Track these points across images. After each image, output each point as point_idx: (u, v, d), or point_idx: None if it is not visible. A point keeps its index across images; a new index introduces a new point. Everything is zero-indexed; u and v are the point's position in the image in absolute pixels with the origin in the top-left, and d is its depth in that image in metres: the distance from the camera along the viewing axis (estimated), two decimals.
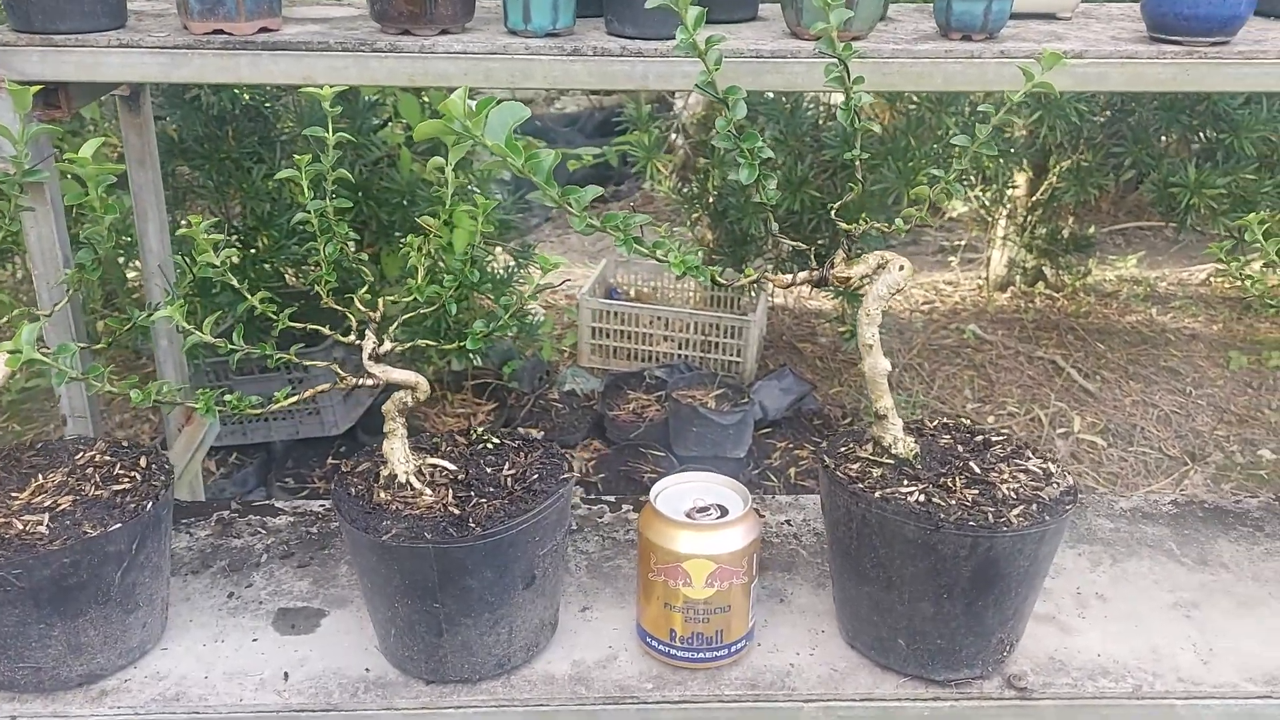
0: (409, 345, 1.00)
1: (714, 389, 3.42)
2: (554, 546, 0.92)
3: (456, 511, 0.88)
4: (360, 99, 2.52)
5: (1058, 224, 4.09)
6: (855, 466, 0.95)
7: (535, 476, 0.93)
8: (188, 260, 0.95)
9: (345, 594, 1.05)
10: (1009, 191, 4.02)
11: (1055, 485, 0.91)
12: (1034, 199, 3.99)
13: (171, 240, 1.39)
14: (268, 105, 2.43)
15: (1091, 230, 4.08)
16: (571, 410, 3.54)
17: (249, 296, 0.96)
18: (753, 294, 3.50)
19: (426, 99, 2.48)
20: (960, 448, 0.98)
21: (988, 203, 4.15)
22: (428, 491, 0.91)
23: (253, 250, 2.31)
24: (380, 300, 0.96)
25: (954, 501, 0.89)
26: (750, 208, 2.67)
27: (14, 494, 0.93)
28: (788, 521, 1.19)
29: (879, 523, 0.89)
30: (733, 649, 0.95)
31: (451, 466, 0.94)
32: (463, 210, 2.85)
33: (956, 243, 4.78)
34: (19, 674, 0.90)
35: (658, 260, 0.96)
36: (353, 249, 0.96)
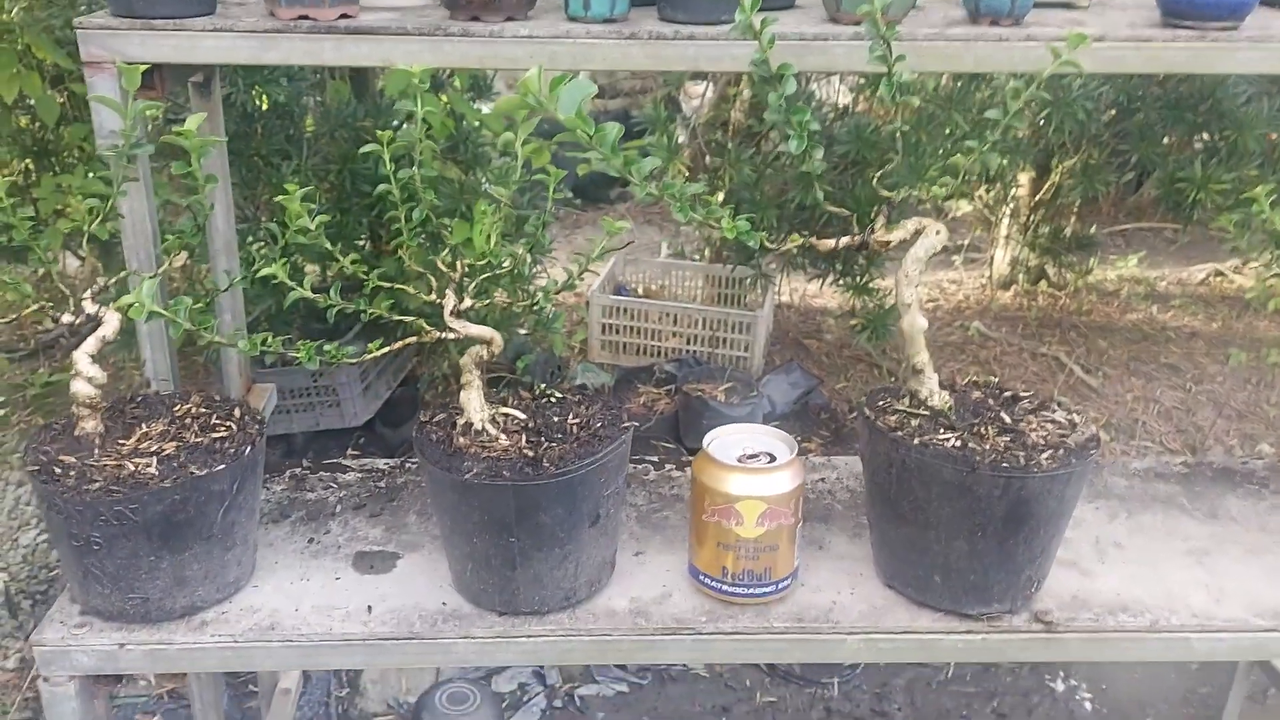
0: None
1: (723, 383, 3.50)
2: (616, 489, 1.00)
3: (530, 454, 0.96)
4: (382, 96, 2.60)
5: (1060, 223, 4.17)
6: (893, 417, 1.03)
7: (599, 424, 1.01)
8: (279, 226, 1.03)
9: (417, 540, 1.13)
10: (1012, 191, 4.11)
11: (1080, 433, 0.99)
12: (1037, 198, 4.08)
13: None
14: (294, 106, 2.49)
15: (1094, 230, 4.16)
16: None
17: (340, 258, 1.04)
18: (760, 291, 3.58)
19: (445, 99, 2.55)
20: (991, 401, 1.06)
21: (991, 202, 4.24)
22: (503, 437, 0.99)
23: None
24: (459, 262, 1.04)
25: (988, 446, 0.97)
26: (764, 204, 2.75)
27: (121, 441, 1.00)
28: (822, 480, 1.27)
29: (918, 466, 0.97)
30: (779, 586, 1.03)
31: (522, 415, 1.02)
32: (482, 207, 2.93)
33: (960, 242, 4.87)
34: (129, 604, 0.98)
35: (710, 226, 1.04)
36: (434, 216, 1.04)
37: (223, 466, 0.96)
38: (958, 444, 0.97)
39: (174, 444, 1.00)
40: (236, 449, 0.99)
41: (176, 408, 1.06)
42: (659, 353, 3.76)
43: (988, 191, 4.12)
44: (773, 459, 1.01)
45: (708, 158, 3.53)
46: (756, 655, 1.03)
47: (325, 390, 2.96)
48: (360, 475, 1.25)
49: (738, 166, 3.04)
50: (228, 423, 1.04)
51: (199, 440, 1.01)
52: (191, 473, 0.95)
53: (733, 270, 3.37)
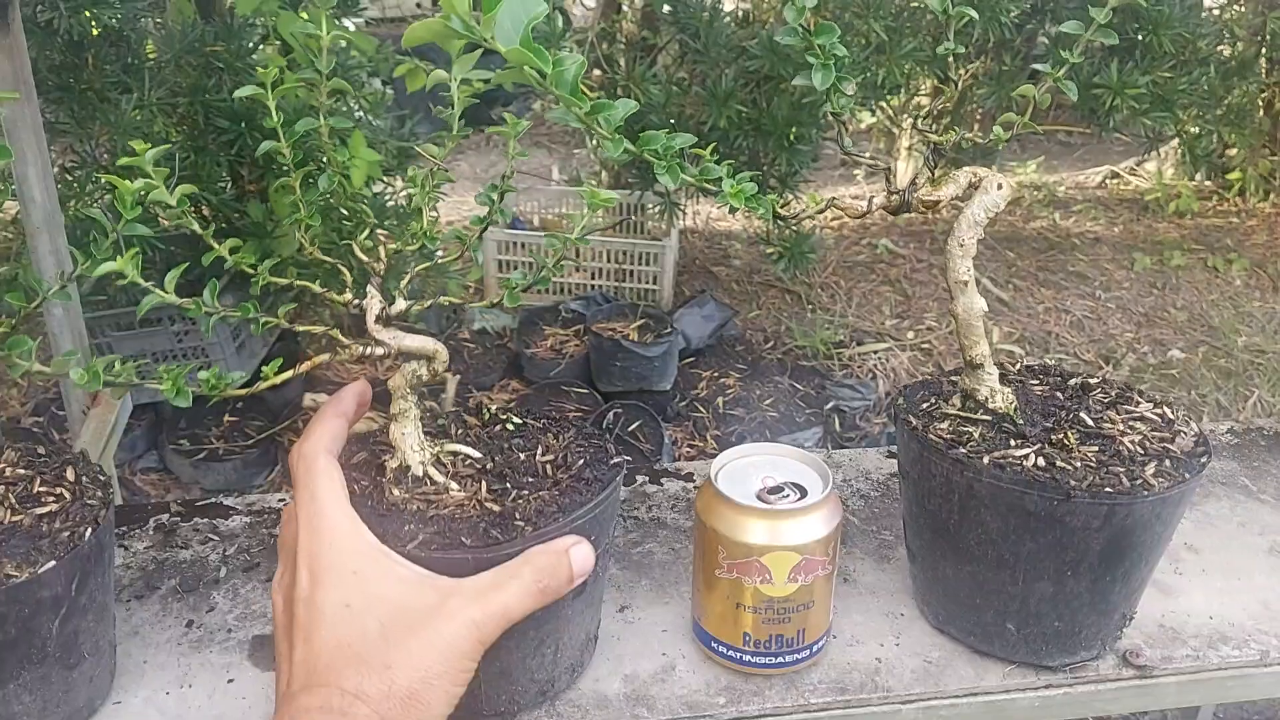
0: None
1: (634, 320, 3.27)
2: (607, 546, 0.76)
3: (495, 508, 0.71)
4: (233, 16, 2.25)
5: (961, 134, 4.04)
6: (945, 426, 0.81)
7: (580, 462, 0.76)
8: (112, 207, 0.73)
9: None
10: (913, 100, 3.94)
11: (1183, 434, 0.79)
12: (939, 107, 3.92)
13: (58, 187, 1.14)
14: (130, 30, 2.14)
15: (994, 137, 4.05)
16: (485, 350, 3.35)
17: (216, 245, 0.76)
18: (665, 218, 3.34)
19: (305, 15, 2.20)
20: (1059, 395, 0.85)
21: (893, 113, 4.07)
22: (454, 486, 0.73)
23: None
24: (382, 248, 0.76)
25: (1078, 464, 0.75)
26: (680, 129, 2.49)
27: None
28: None
29: (991, 494, 0.75)
30: (814, 649, 0.81)
31: (475, 454, 0.76)
32: (359, 140, 2.56)
33: (858, 157, 4.71)
34: None
35: (708, 190, 0.78)
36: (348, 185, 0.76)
37: (51, 564, 0.68)
38: (1042, 463, 0.75)
39: None
40: (72, 532, 0.71)
41: None
42: (562, 289, 3.50)
43: (888, 102, 3.95)
44: (803, 492, 0.78)
45: (596, 72, 3.23)
46: None
47: (194, 352, 2.66)
48: (248, 520, 0.97)
49: (642, 86, 2.76)
50: (58, 489, 0.75)
51: (17, 519, 0.72)
52: (8, 576, 0.67)
53: (640, 197, 3.12)
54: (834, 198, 0.83)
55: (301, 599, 0.61)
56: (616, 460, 0.76)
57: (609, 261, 3.45)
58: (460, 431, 0.79)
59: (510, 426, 0.81)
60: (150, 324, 2.59)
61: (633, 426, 2.82)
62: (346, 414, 0.72)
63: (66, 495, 0.75)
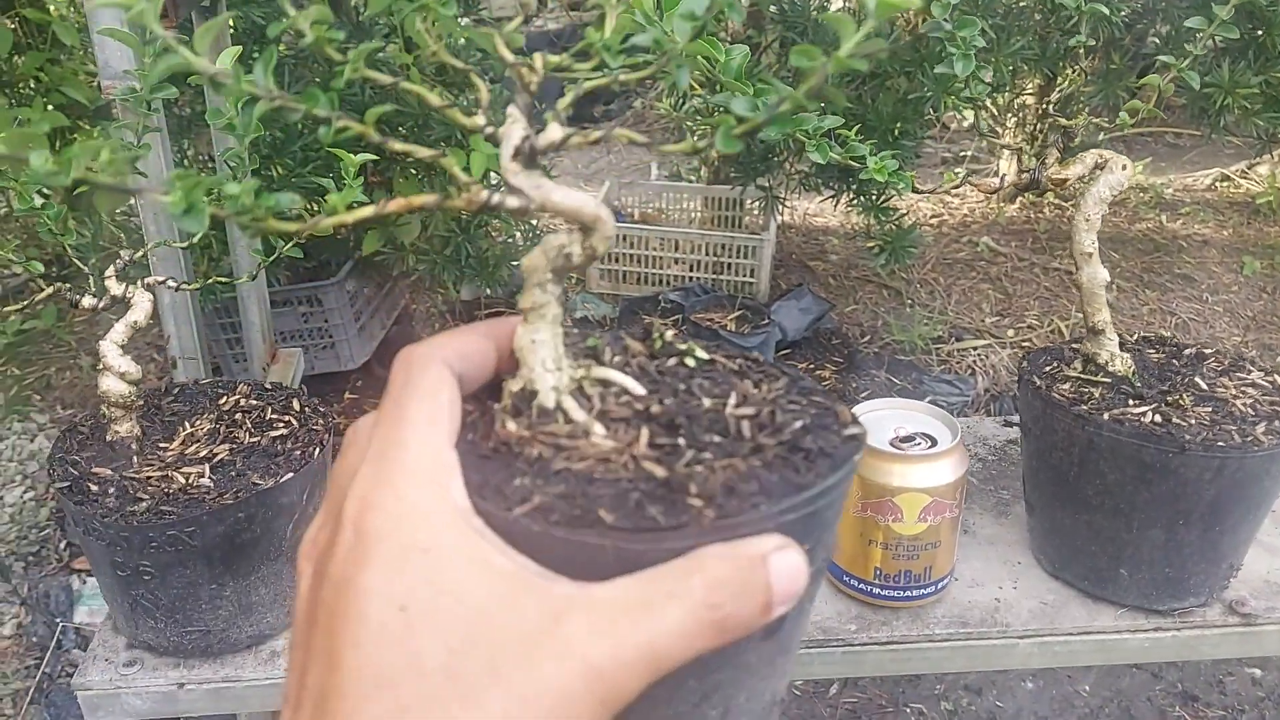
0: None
1: (733, 311, 3.36)
2: (824, 562, 0.48)
3: (660, 472, 0.45)
4: (358, 14, 2.37)
5: (1068, 132, 4.04)
6: (1068, 387, 0.89)
7: (797, 424, 0.47)
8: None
9: None
10: (1017, 99, 3.95)
11: None
12: (1044, 105, 3.92)
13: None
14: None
15: (1101, 138, 4.02)
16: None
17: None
18: (763, 213, 3.42)
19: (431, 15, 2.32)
20: (1175, 363, 0.92)
21: (997, 111, 4.08)
22: (599, 428, 0.47)
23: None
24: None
25: (1193, 421, 0.83)
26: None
27: (163, 445, 0.84)
28: None
29: (1110, 446, 0.83)
30: (939, 585, 0.90)
31: (636, 387, 0.50)
32: (478, 135, 2.73)
33: (961, 154, 4.72)
34: (186, 639, 0.83)
35: (852, 165, 0.88)
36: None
37: (290, 475, 0.80)
38: (1158, 419, 0.83)
39: (226, 447, 0.84)
40: (303, 451, 0.83)
41: (222, 400, 0.90)
42: (661, 281, 3.60)
43: (992, 100, 3.97)
44: (933, 442, 0.87)
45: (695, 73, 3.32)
46: (916, 666, 0.90)
47: (319, 332, 2.82)
48: None
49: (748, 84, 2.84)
50: (286, 417, 0.87)
51: (255, 441, 0.85)
52: (255, 484, 0.79)
53: (742, 191, 3.20)
54: (969, 175, 0.91)
55: (335, 577, 0.38)
56: (854, 430, 0.47)
57: (707, 254, 3.53)
58: (618, 359, 0.55)
59: (691, 361, 0.54)
60: (281, 304, 2.76)
61: None
62: (498, 340, 0.48)
63: (294, 422, 0.87)
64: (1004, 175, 0.91)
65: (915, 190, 0.89)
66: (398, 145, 0.56)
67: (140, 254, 0.86)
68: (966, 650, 0.88)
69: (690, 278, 3.68)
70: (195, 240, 0.87)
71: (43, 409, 2.67)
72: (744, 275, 3.61)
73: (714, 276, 3.68)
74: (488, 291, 3.14)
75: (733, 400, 0.49)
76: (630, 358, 0.53)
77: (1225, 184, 4.81)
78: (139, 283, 0.83)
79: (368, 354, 2.83)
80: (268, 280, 1.78)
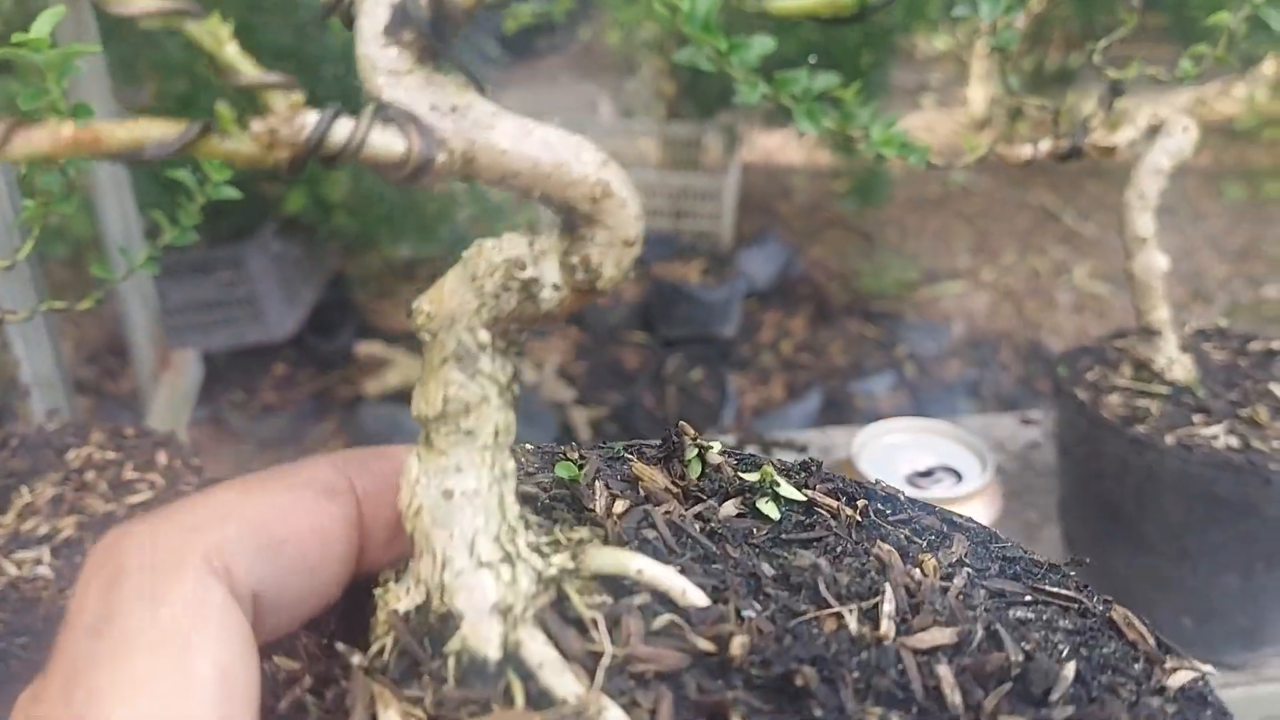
0: None
1: (696, 262, 3.15)
2: None
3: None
4: None
5: (1040, 57, 3.85)
6: (1117, 399, 0.69)
7: (1070, 670, 0.24)
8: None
9: None
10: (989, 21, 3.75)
11: None
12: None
13: None
14: None
15: (1074, 61, 3.85)
16: None
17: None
18: (725, 151, 3.21)
19: None
20: (1240, 362, 0.73)
21: (964, 37, 3.88)
22: (614, 713, 0.21)
23: None
24: None
25: (1277, 444, 0.64)
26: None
27: None
28: None
29: (1176, 478, 0.64)
30: None
31: (687, 591, 0.24)
32: None
33: (927, 80, 4.50)
34: None
35: (850, 140, 0.67)
36: None
37: None
38: (1235, 442, 0.64)
39: (73, 520, 0.63)
40: None
41: (70, 454, 0.69)
42: None
43: (959, 24, 3.77)
44: (957, 477, 0.67)
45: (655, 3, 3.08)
46: None
47: (243, 302, 2.59)
48: None
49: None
50: (149, 475, 0.67)
51: (110, 509, 0.64)
52: None
53: (700, 130, 2.99)
54: (995, 144, 0.71)
55: None
56: (1188, 673, 0.26)
57: (666, 198, 3.32)
58: (625, 513, 0.28)
59: (769, 509, 0.29)
60: (199, 271, 2.53)
61: (694, 375, 2.72)
62: (364, 490, 0.25)
63: (159, 480, 0.66)
64: (1039, 143, 0.70)
65: (930, 165, 0.68)
66: None
67: None
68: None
69: (647, 225, 3.46)
70: (20, 256, 0.65)
71: None
72: (705, 221, 3.40)
73: (674, 223, 3.47)
74: (428, 252, 2.92)
75: (890, 606, 0.24)
76: (648, 505, 0.28)
77: (1202, 107, 4.64)
78: None
79: (299, 322, 2.64)
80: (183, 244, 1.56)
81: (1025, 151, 0.70)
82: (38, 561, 0.61)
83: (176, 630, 0.19)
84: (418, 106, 0.20)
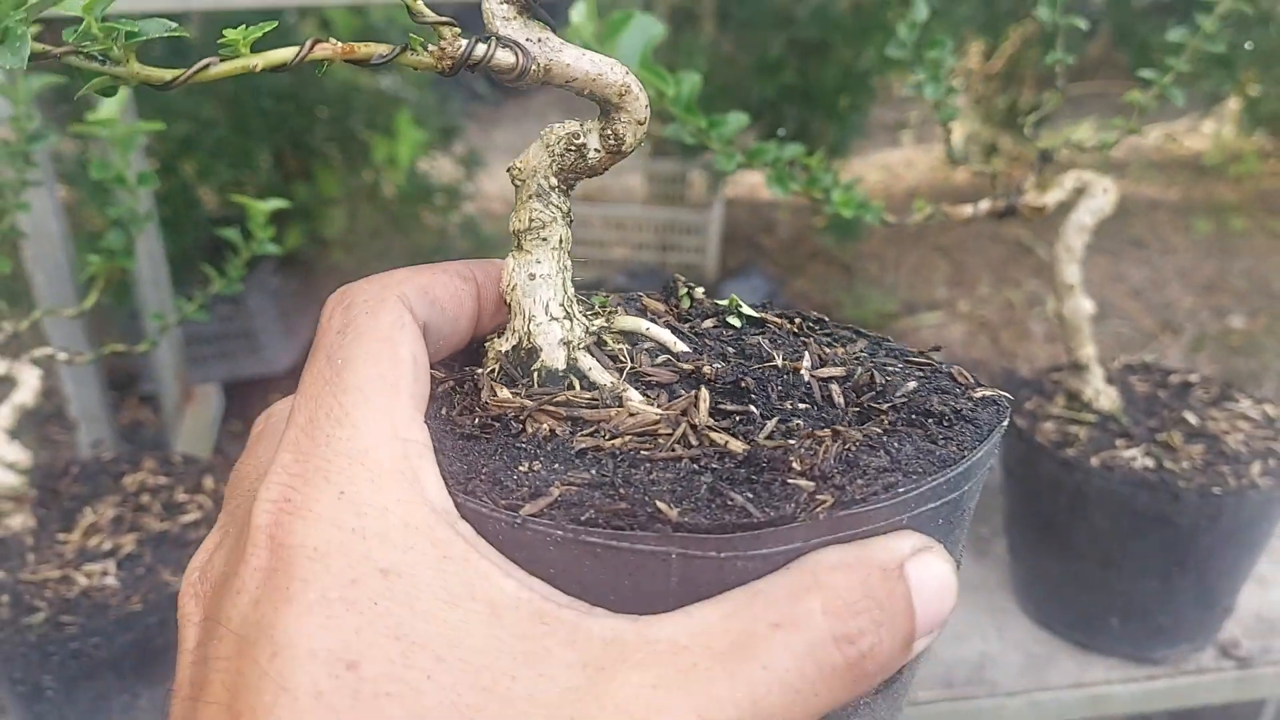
0: None
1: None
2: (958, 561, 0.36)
3: (738, 447, 0.31)
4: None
5: (1014, 94, 4.01)
6: (1051, 426, 0.83)
7: (910, 385, 0.36)
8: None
9: None
10: (961, 62, 3.91)
11: None
12: (990, 69, 3.88)
13: None
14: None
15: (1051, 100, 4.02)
16: None
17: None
18: (709, 188, 3.35)
19: None
20: (1160, 393, 0.86)
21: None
22: (634, 394, 0.34)
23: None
24: None
25: (1186, 464, 0.77)
26: (727, 100, 2.51)
27: (61, 537, 0.75)
28: None
29: (1100, 495, 0.77)
30: None
31: (677, 343, 0.37)
32: (405, 118, 2.57)
33: (904, 119, 4.66)
34: None
35: (813, 200, 0.81)
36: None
37: None
38: (1150, 463, 0.77)
39: (133, 537, 0.75)
40: None
41: (126, 478, 0.81)
42: (604, 264, 3.51)
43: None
44: None
45: None
46: None
47: (242, 335, 2.67)
48: None
49: (688, 55, 2.76)
50: (198, 497, 0.79)
51: (164, 527, 0.76)
52: (165, 583, 0.71)
53: (685, 167, 3.13)
54: (941, 204, 0.84)
55: (239, 622, 0.25)
56: (987, 392, 0.36)
57: (653, 233, 3.45)
58: (631, 310, 0.41)
59: (735, 321, 0.40)
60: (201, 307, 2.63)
61: None
62: (480, 283, 0.36)
63: (208, 502, 0.78)
64: (980, 202, 0.84)
65: (883, 221, 0.82)
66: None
67: (26, 324, 0.76)
68: (953, 714, 0.83)
69: (634, 259, 3.60)
70: (85, 306, 0.77)
71: None
72: (691, 254, 3.53)
73: (661, 257, 3.61)
74: None
75: (808, 360, 0.36)
76: (653, 319, 0.39)
77: (1171, 143, 4.81)
78: (23, 358, 0.74)
79: (295, 356, 2.73)
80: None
81: (966, 210, 0.84)
82: (104, 573, 0.72)
83: (388, 331, 0.30)
84: (518, 37, 0.32)
